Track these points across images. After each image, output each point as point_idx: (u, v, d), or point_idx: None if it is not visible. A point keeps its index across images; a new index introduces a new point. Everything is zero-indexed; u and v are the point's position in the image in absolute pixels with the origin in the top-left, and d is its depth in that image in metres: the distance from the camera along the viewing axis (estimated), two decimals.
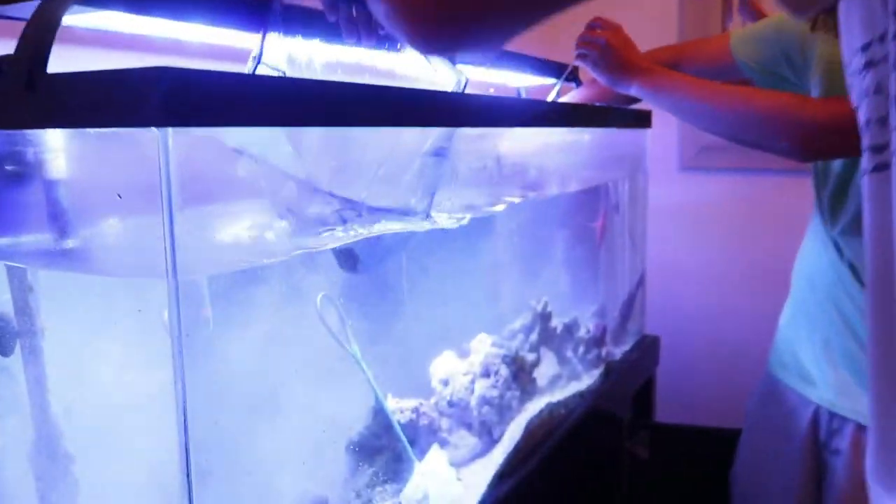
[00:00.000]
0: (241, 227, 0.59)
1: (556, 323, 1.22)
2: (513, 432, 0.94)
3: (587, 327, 1.35)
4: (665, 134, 1.99)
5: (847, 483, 1.03)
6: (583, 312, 1.39)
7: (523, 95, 1.54)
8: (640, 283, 1.68)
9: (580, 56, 1.19)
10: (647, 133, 1.63)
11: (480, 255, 1.10)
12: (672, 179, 2.10)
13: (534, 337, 1.12)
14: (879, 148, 0.47)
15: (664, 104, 1.12)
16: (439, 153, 0.77)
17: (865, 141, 0.49)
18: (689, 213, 2.12)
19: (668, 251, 2.05)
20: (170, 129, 0.46)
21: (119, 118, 0.46)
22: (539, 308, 1.17)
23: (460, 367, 0.96)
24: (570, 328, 1.26)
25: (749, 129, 1.03)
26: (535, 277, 1.27)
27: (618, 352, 1.46)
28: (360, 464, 0.76)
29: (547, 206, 1.27)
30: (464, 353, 1.03)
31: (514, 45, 0.51)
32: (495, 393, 0.93)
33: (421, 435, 0.84)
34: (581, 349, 1.28)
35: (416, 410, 0.84)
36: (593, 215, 1.53)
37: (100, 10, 0.58)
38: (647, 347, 1.59)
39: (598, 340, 1.35)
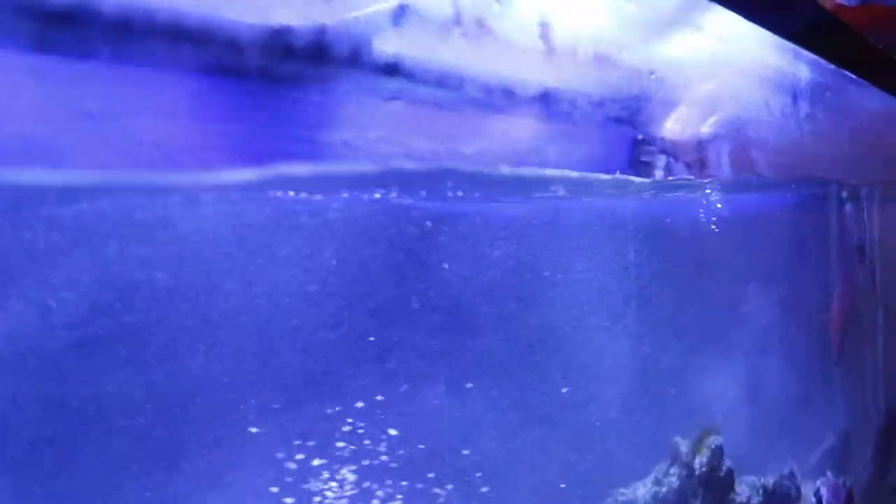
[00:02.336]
0: None
1: (743, 490, 0.91)
2: None
3: (818, 498, 1.00)
4: None
5: None
6: (802, 463, 1.07)
7: None
8: None
9: None
10: None
11: None
12: None
13: None
14: None
15: None
16: None
17: None
18: None
19: None
20: None
21: None
22: (690, 453, 0.91)
23: None
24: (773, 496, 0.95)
25: None
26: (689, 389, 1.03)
27: None
28: None
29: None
30: None
31: None
32: None
33: None
34: None
35: None
36: (822, 284, 1.22)
37: None
38: None
39: None
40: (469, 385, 0.91)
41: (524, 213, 1.02)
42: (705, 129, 1.15)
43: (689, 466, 0.99)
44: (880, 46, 1.13)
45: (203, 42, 0.58)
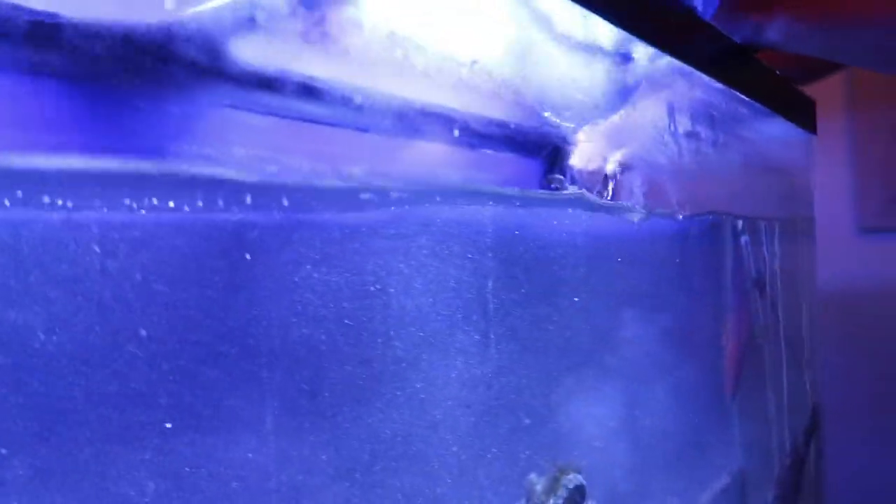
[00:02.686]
0: None
1: None
2: None
3: None
4: (832, 178, 1.55)
5: None
6: None
7: None
8: (811, 434, 1.21)
9: None
10: (813, 142, 1.23)
11: None
12: (848, 246, 1.66)
13: None
14: None
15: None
16: None
17: None
18: (878, 298, 1.65)
19: (851, 369, 1.57)
20: None
21: None
22: (544, 494, 0.81)
23: None
24: None
25: None
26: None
27: None
28: None
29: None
30: None
31: None
32: None
33: None
34: None
35: None
36: (715, 316, 1.14)
37: None
38: None
39: None
40: (266, 425, 0.80)
41: (369, 223, 0.95)
42: (612, 163, 1.12)
43: None
44: (789, 77, 1.11)
45: (23, 39, 0.51)
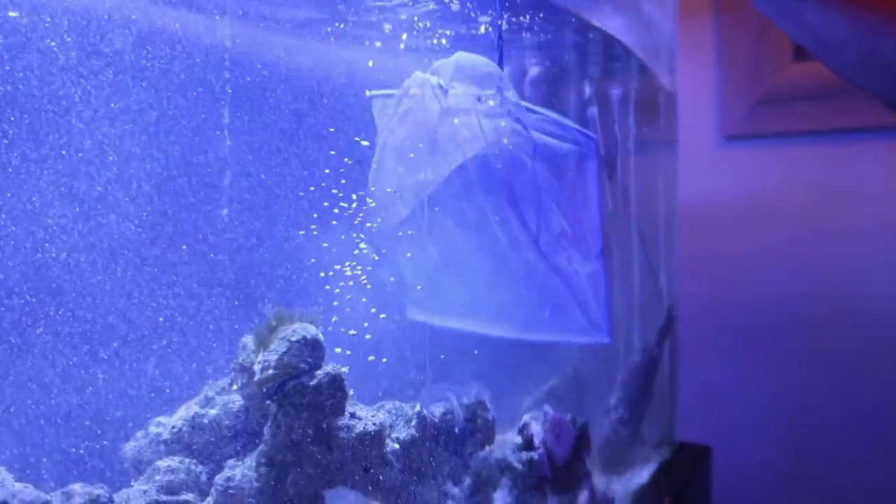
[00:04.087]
0: None
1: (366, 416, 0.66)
2: None
3: (526, 437, 0.77)
4: (696, 87, 1.43)
5: None
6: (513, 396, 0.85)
7: None
8: (665, 334, 1.05)
9: None
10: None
11: None
12: (711, 155, 1.53)
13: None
14: None
15: None
16: None
17: None
18: (738, 205, 1.50)
19: (709, 273, 1.44)
20: None
21: None
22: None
23: None
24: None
25: None
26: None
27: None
28: None
29: None
30: None
31: None
32: None
33: None
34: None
35: None
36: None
37: None
38: (688, 475, 1.00)
39: (557, 472, 0.78)
40: None
41: None
42: None
43: (250, 371, 0.64)
44: None
45: None
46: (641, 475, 0.98)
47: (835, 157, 1.39)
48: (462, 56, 0.80)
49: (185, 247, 0.70)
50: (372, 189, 0.81)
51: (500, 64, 0.83)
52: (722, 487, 1.21)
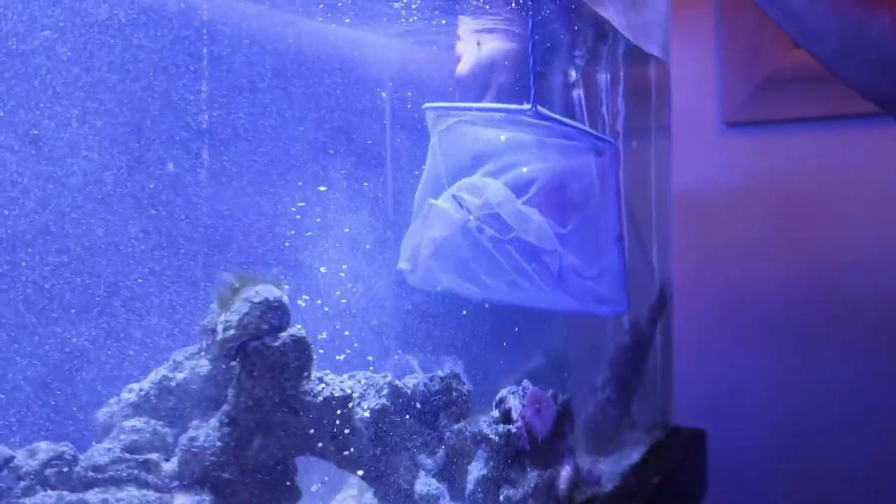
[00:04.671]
0: None
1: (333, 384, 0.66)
2: None
3: (503, 410, 0.78)
4: (696, 71, 1.42)
5: None
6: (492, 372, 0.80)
7: None
8: (658, 313, 1.04)
9: None
10: None
11: None
12: (710, 142, 1.51)
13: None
14: None
15: None
16: None
17: None
18: (739, 193, 1.48)
19: (707, 261, 1.42)
20: None
21: None
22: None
23: None
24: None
25: None
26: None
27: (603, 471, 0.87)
28: None
29: None
30: None
31: None
32: None
33: None
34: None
35: None
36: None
37: None
38: (680, 457, 0.99)
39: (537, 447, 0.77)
40: None
41: None
42: None
43: (213, 333, 0.65)
44: None
45: None
46: (631, 456, 0.97)
47: (838, 143, 1.37)
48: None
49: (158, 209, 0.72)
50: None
51: (534, 98, 0.82)
52: (719, 472, 1.20)
